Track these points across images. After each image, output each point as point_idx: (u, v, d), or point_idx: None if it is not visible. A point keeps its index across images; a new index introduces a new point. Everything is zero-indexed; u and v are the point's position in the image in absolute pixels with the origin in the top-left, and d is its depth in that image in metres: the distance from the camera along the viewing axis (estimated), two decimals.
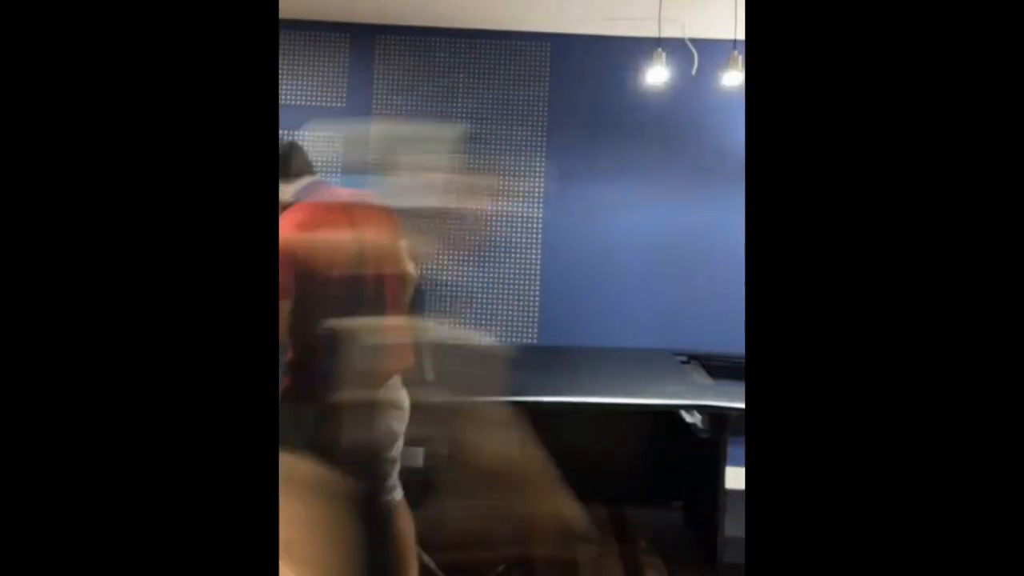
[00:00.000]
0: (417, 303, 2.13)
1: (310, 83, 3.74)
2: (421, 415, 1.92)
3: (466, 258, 3.68)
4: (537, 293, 3.66)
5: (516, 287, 3.67)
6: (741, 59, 2.92)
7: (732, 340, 3.40)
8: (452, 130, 1.99)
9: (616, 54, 3.70)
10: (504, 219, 3.71)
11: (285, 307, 1.75)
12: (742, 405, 2.34)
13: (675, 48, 3.51)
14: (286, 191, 1.93)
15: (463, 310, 2.40)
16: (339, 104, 3.74)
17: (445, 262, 3.70)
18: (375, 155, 1.96)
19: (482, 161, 3.72)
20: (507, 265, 3.70)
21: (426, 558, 2.36)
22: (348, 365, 1.72)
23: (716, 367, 2.97)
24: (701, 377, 2.73)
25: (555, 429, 3.19)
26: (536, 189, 3.71)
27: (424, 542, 2.00)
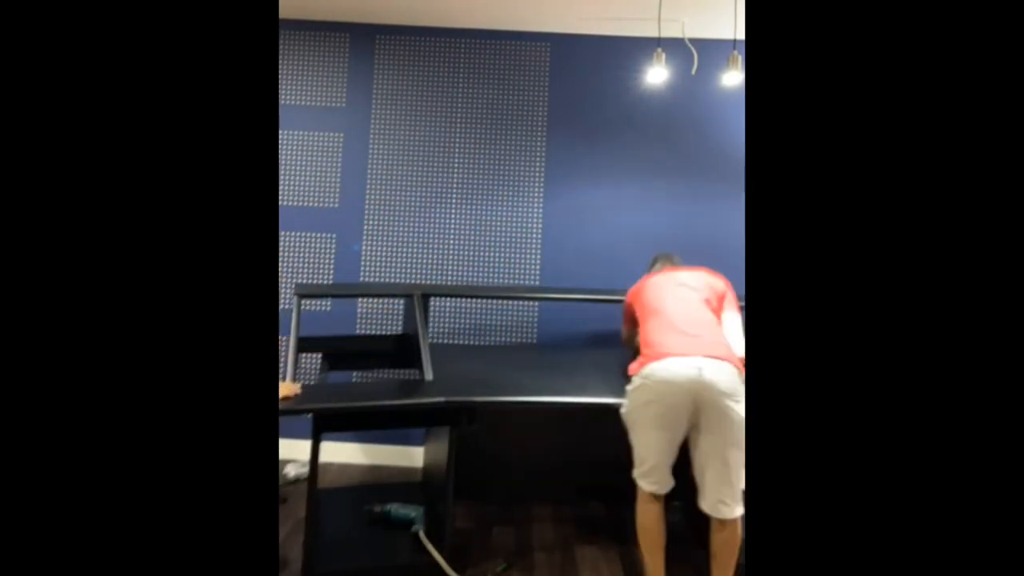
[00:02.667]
0: None
1: (310, 83, 3.74)
2: None
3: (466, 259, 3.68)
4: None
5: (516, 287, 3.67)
6: (741, 59, 2.92)
7: None
8: None
9: (616, 54, 3.70)
10: (504, 218, 3.71)
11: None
12: None
13: (675, 48, 3.52)
14: None
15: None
16: (339, 104, 3.75)
17: (447, 264, 3.70)
18: None
19: (481, 161, 3.72)
20: (507, 265, 3.70)
21: (436, 555, 2.36)
22: None
23: None
24: None
25: (555, 429, 3.20)
26: (536, 189, 3.71)
27: None
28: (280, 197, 3.69)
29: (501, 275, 3.71)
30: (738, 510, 2.18)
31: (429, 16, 3.62)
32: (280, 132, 3.71)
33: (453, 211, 3.72)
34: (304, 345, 2.93)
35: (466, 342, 3.68)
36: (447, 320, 3.69)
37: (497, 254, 3.70)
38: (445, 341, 3.67)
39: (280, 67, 3.71)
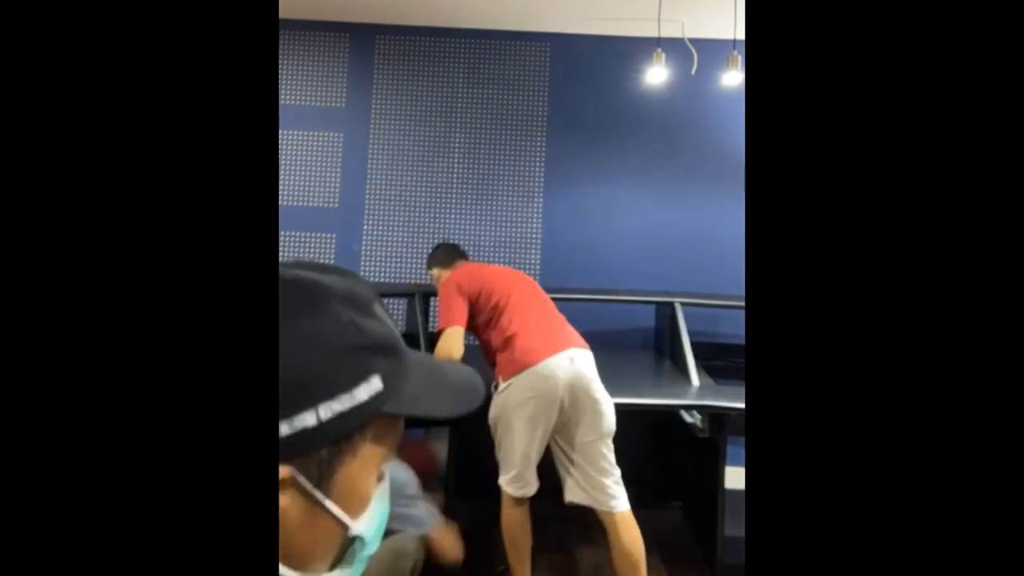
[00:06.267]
0: None
1: (310, 83, 3.74)
2: None
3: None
4: None
5: None
6: (741, 59, 2.92)
7: (730, 339, 3.40)
8: None
9: (616, 54, 3.70)
10: (504, 218, 3.71)
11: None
12: (742, 405, 2.34)
13: (675, 48, 3.51)
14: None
15: None
16: (339, 104, 3.74)
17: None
18: None
19: (481, 161, 3.72)
20: (507, 264, 3.71)
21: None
22: None
23: (716, 367, 2.97)
24: (701, 377, 2.73)
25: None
26: (536, 188, 3.71)
27: None
28: (280, 197, 3.69)
29: None
30: (626, 500, 2.12)
31: (429, 16, 3.62)
32: (280, 132, 3.71)
33: (453, 211, 3.72)
34: None
35: (466, 342, 3.68)
36: None
37: (497, 254, 3.69)
38: None
39: (280, 67, 3.71)
